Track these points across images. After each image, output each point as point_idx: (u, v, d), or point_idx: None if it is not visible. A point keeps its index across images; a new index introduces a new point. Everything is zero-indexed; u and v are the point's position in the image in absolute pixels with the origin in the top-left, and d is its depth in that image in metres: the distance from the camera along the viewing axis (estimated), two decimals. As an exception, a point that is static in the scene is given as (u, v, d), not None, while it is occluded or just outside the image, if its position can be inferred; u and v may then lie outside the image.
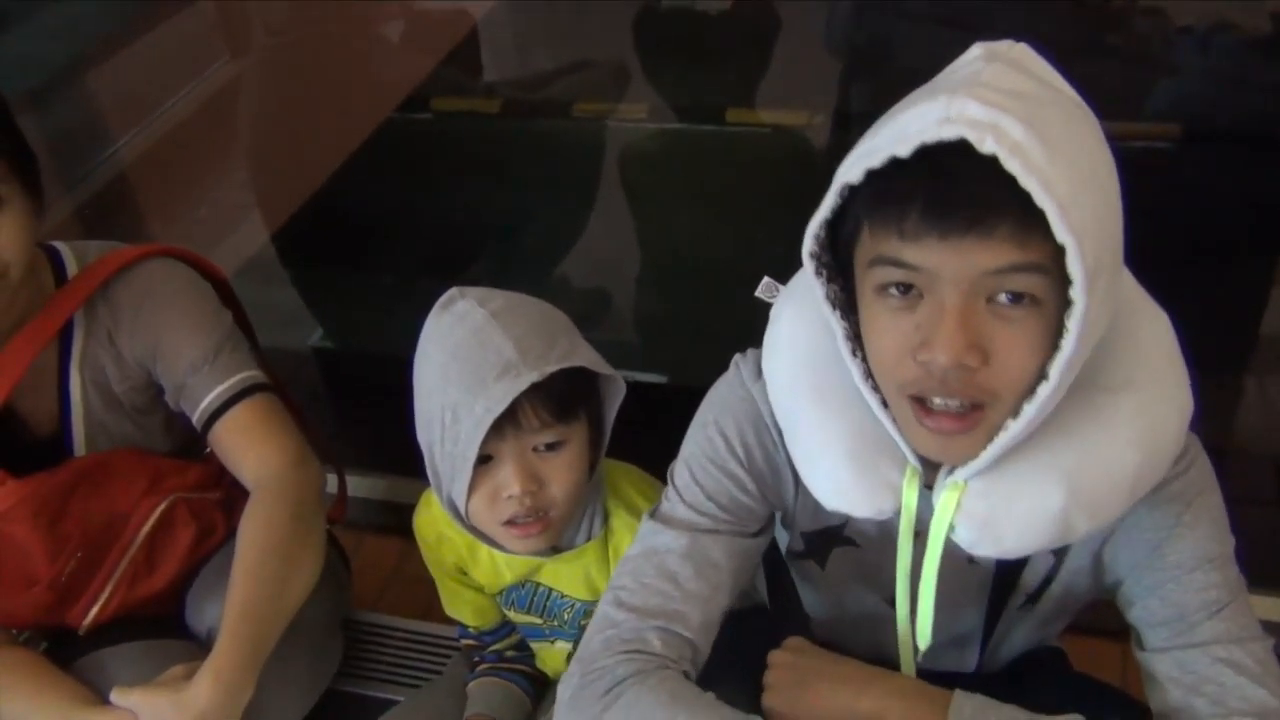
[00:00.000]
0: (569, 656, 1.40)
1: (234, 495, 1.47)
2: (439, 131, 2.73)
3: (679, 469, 1.09)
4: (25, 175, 1.23)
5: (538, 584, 1.38)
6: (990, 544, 0.92)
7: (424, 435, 1.21)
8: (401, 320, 2.36)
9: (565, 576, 1.36)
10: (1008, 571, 1.07)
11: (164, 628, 1.43)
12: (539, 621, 1.42)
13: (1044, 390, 0.84)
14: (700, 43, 2.62)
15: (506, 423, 1.15)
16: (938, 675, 1.06)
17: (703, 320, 2.33)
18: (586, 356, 1.19)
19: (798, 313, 1.01)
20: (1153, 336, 0.95)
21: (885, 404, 0.92)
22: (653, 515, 1.09)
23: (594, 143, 2.63)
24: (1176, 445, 0.93)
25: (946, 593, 1.01)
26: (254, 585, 1.30)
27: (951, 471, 0.93)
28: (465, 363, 1.15)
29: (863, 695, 1.02)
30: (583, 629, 1.36)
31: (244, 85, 2.34)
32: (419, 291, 2.46)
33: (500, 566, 1.37)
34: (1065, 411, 0.89)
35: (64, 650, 1.39)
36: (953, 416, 0.87)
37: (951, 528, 0.93)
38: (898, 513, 0.96)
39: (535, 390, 1.13)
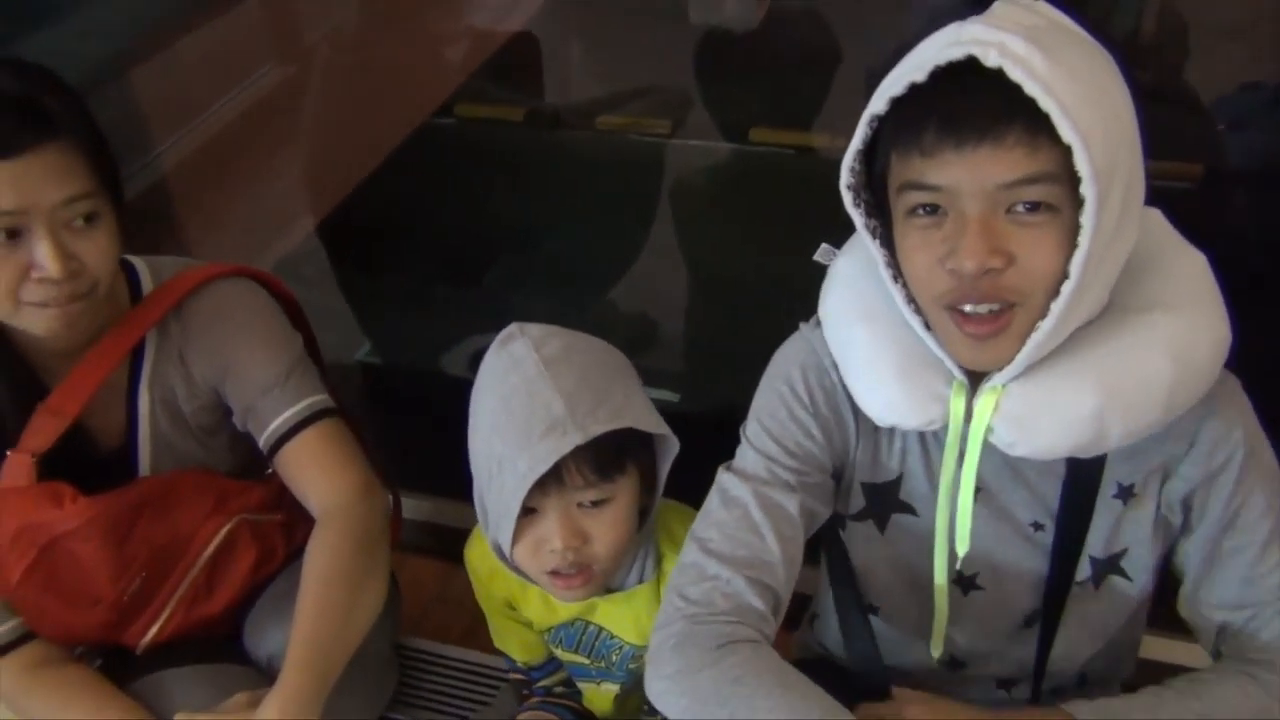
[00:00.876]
0: (616, 699, 1.40)
1: (294, 518, 1.47)
2: (465, 138, 2.73)
3: (750, 423, 1.15)
4: (115, 191, 1.23)
5: (588, 623, 1.37)
6: (1026, 443, 0.99)
7: (475, 475, 1.22)
8: (446, 338, 2.37)
9: (616, 618, 1.35)
10: (1069, 538, 1.10)
11: (219, 650, 1.42)
12: (586, 662, 1.41)
13: (1067, 287, 0.91)
14: (727, 62, 2.63)
15: (550, 479, 1.14)
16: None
17: (717, 339, 2.33)
18: (637, 413, 1.17)
19: (849, 256, 1.11)
20: (1187, 268, 1.02)
21: (928, 326, 1.00)
22: (728, 468, 1.15)
23: (618, 156, 2.63)
24: (1212, 368, 0.99)
25: (1002, 555, 1.10)
26: (320, 616, 1.29)
27: (990, 379, 0.99)
28: (514, 415, 1.15)
29: None
30: (630, 673, 1.37)
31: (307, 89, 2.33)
32: (457, 307, 2.46)
33: (553, 603, 1.36)
34: (1100, 329, 0.98)
35: (118, 669, 1.39)
36: (987, 320, 0.94)
37: (990, 429, 1.00)
38: (945, 425, 1.03)
39: (581, 449, 1.13)
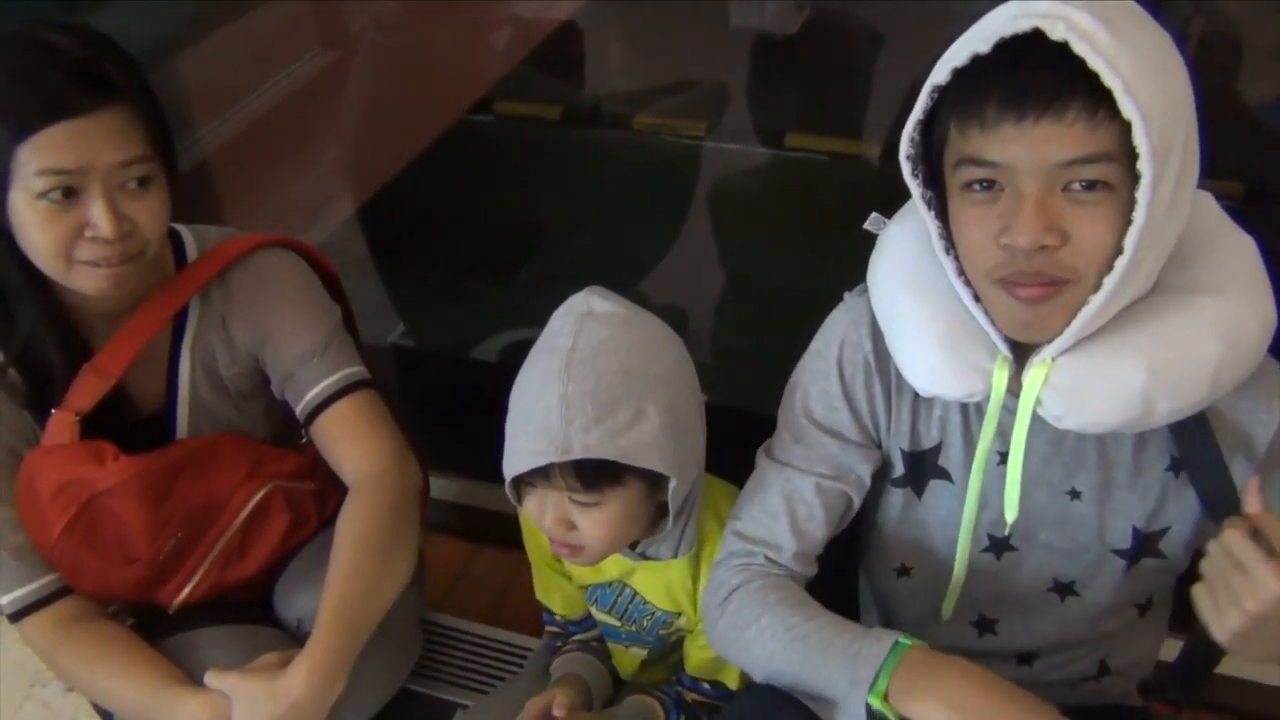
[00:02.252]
0: (643, 663, 1.44)
1: (326, 487, 1.49)
2: (503, 134, 2.75)
3: (786, 399, 1.21)
4: (169, 158, 1.25)
5: (625, 585, 1.39)
6: (1074, 416, 1.00)
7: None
8: (477, 323, 2.39)
9: (651, 585, 1.37)
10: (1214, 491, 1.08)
11: (250, 613, 1.44)
12: (618, 624, 1.43)
13: (1121, 262, 0.92)
14: (765, 66, 2.64)
15: (538, 471, 1.15)
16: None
17: (745, 338, 2.34)
18: (635, 441, 1.13)
19: (900, 225, 1.12)
20: (1236, 251, 1.03)
21: (976, 299, 1.02)
22: (766, 451, 1.22)
23: (653, 156, 2.64)
24: (1258, 349, 1.00)
25: (1038, 521, 1.13)
26: (351, 580, 1.31)
27: (1040, 352, 1.01)
28: (525, 398, 1.17)
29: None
30: (661, 639, 1.39)
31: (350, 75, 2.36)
32: (490, 299, 2.49)
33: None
34: (1149, 307, 0.99)
35: (150, 627, 1.41)
36: (1039, 284, 0.95)
37: (1039, 402, 1.01)
38: (986, 395, 1.04)
39: (568, 461, 1.13)
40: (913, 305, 1.07)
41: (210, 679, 1.27)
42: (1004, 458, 1.10)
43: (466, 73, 2.63)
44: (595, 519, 1.19)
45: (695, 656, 1.37)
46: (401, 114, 2.50)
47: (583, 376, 1.13)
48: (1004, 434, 1.08)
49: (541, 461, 1.13)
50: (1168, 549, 1.13)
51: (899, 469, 1.18)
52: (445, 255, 2.52)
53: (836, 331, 1.17)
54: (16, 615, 1.34)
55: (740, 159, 2.63)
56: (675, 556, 1.32)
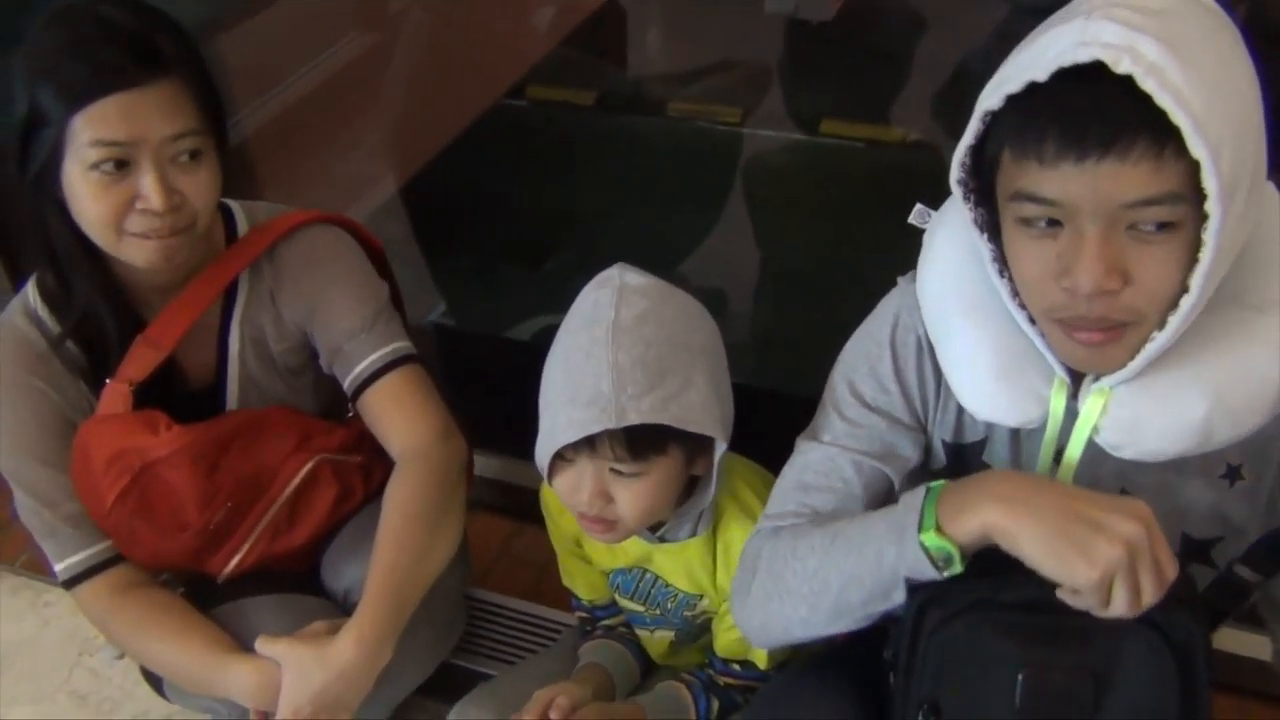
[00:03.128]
0: (671, 644, 1.44)
1: (373, 461, 1.50)
2: (536, 119, 2.76)
3: (834, 376, 1.17)
4: (220, 133, 1.27)
5: (645, 570, 1.40)
6: (1133, 447, 0.97)
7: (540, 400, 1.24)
8: (513, 306, 2.41)
9: (670, 567, 1.37)
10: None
11: (297, 583, 1.46)
12: (641, 609, 1.43)
13: (1186, 302, 0.88)
14: (800, 53, 2.63)
15: (584, 441, 1.16)
16: None
17: (779, 323, 2.34)
18: (685, 407, 1.15)
19: (949, 235, 1.07)
20: None
21: (1032, 320, 0.98)
22: (805, 435, 1.17)
23: (687, 143, 2.65)
24: None
25: None
26: (399, 551, 1.33)
27: (1097, 379, 0.97)
28: (570, 370, 1.17)
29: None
30: (687, 620, 1.39)
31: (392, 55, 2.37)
32: (526, 281, 2.50)
33: (614, 548, 1.38)
34: (1210, 326, 0.93)
35: (199, 596, 1.43)
36: (1099, 330, 0.91)
37: (1096, 430, 0.98)
38: (1044, 423, 1.01)
39: (617, 429, 1.13)
40: (966, 333, 1.03)
41: (261, 645, 1.30)
42: (1056, 458, 1.07)
43: (504, 56, 2.64)
44: (635, 490, 1.20)
45: (723, 638, 1.37)
46: (440, 97, 2.52)
47: (631, 344, 1.14)
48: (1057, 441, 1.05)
49: (595, 429, 1.13)
50: (1220, 559, 1.10)
51: (941, 459, 1.16)
52: (480, 238, 2.53)
53: (890, 313, 1.13)
54: (71, 581, 1.37)
55: (775, 145, 2.63)
56: (693, 536, 1.33)
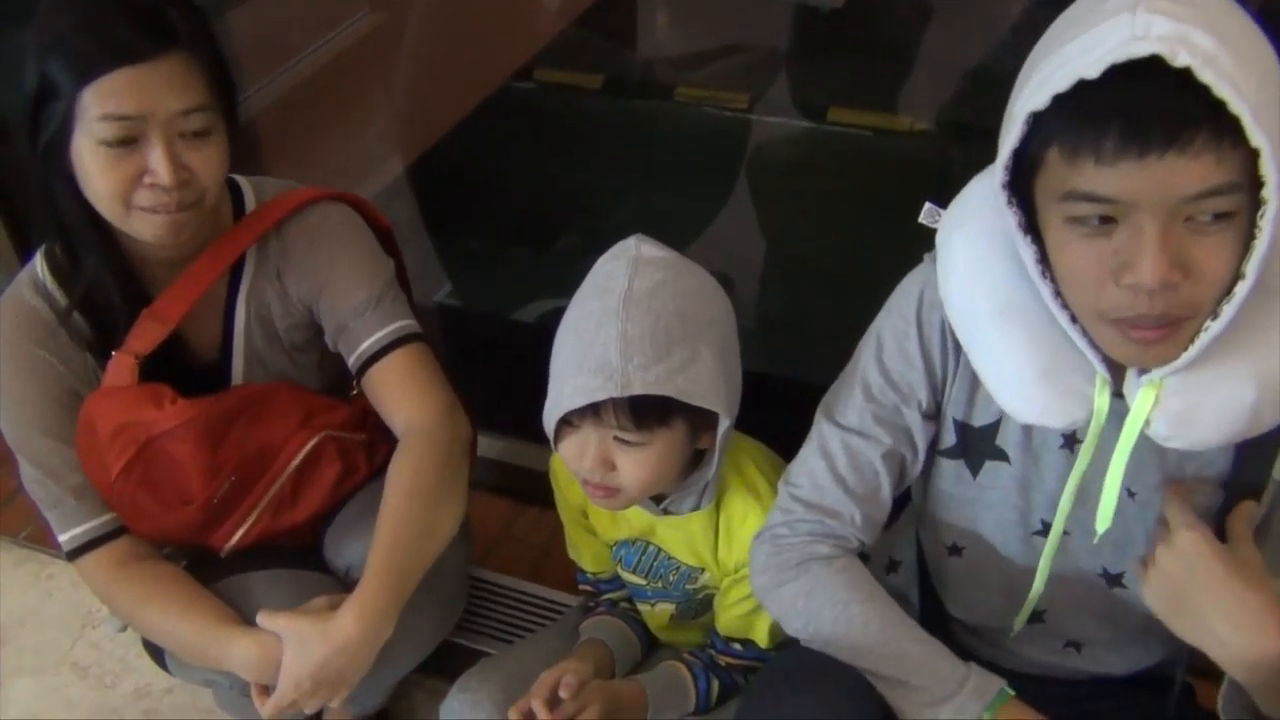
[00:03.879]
0: (672, 617, 1.45)
1: (376, 438, 1.51)
2: (543, 102, 2.76)
3: (861, 351, 1.18)
4: (230, 109, 1.27)
5: (648, 543, 1.40)
6: (1184, 437, 0.97)
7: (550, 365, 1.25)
8: (518, 287, 2.41)
9: (673, 540, 1.38)
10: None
11: (300, 558, 1.47)
12: (643, 582, 1.44)
13: (1242, 289, 0.88)
14: (809, 40, 2.63)
15: (589, 409, 1.17)
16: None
17: (782, 309, 2.34)
18: (691, 380, 1.16)
19: (969, 238, 1.05)
20: None
21: (1073, 319, 0.97)
22: (828, 415, 1.18)
23: (694, 128, 2.64)
24: None
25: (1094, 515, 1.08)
26: (401, 528, 1.33)
27: (1143, 372, 0.97)
28: (580, 338, 1.18)
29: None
30: (688, 593, 1.40)
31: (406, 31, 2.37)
32: (529, 260, 2.50)
33: (618, 518, 1.40)
34: (1251, 313, 0.92)
35: (202, 570, 1.43)
36: (1156, 327, 0.91)
37: (1147, 423, 0.98)
38: (1087, 421, 1.02)
39: (622, 397, 1.15)
40: (998, 336, 1.03)
41: (262, 620, 1.31)
42: (1066, 440, 1.09)
43: (513, 37, 2.64)
44: (638, 460, 1.21)
45: (725, 616, 1.38)
46: (449, 78, 2.52)
47: (641, 315, 1.15)
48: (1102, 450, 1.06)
49: (600, 396, 1.14)
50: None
51: (951, 437, 1.16)
52: (486, 220, 2.54)
53: (914, 290, 1.13)
54: (75, 553, 1.38)
55: (781, 132, 2.63)
56: (696, 509, 1.33)
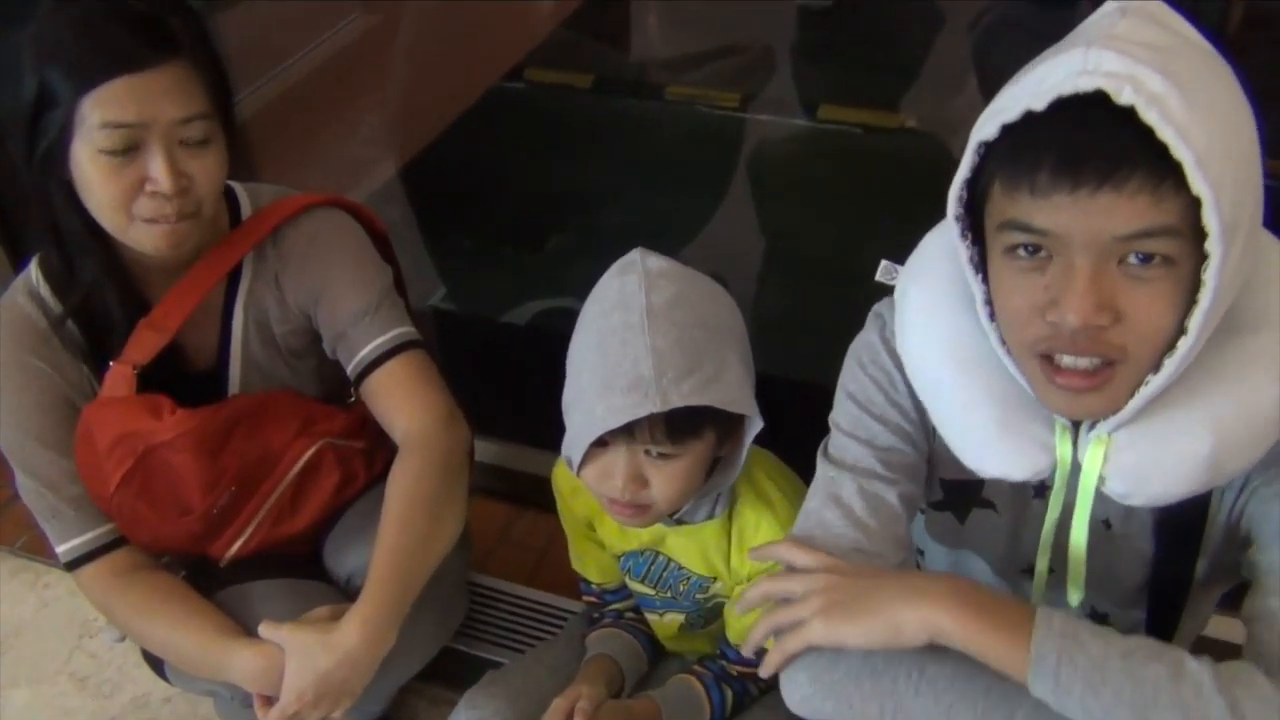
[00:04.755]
0: (681, 627, 1.44)
1: (375, 446, 1.50)
2: (533, 102, 2.76)
3: (840, 409, 1.12)
4: (228, 116, 1.26)
5: (658, 553, 1.40)
6: (1141, 493, 0.93)
7: (566, 386, 1.23)
8: (511, 289, 2.41)
9: (684, 550, 1.38)
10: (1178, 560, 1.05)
11: (301, 567, 1.46)
12: (652, 592, 1.44)
13: (1184, 345, 0.85)
14: (799, 38, 2.64)
15: (622, 428, 1.16)
16: None
17: (778, 308, 2.35)
18: (725, 389, 1.16)
19: (924, 291, 1.03)
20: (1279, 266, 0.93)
21: None
22: (829, 460, 1.11)
23: (685, 127, 2.65)
24: None
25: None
26: (402, 537, 1.33)
27: (1093, 427, 0.94)
28: (605, 357, 1.16)
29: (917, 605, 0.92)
30: (698, 603, 1.39)
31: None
32: (521, 262, 2.50)
33: (628, 529, 1.38)
34: (1204, 356, 0.89)
35: (201, 580, 1.43)
36: (1083, 374, 0.88)
37: (1102, 480, 0.94)
38: (1053, 470, 0.98)
39: (658, 413, 1.13)
40: (958, 388, 0.99)
41: (264, 630, 1.30)
42: (1038, 490, 1.06)
43: (506, 37, 2.63)
44: (670, 473, 1.20)
45: (736, 624, 1.37)
46: (439, 79, 2.51)
47: (666, 329, 1.14)
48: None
49: (639, 414, 1.12)
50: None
51: (938, 494, 1.14)
52: (478, 222, 2.53)
53: (882, 343, 1.09)
54: (73, 564, 1.37)
55: (773, 130, 2.64)
56: (710, 518, 1.33)
